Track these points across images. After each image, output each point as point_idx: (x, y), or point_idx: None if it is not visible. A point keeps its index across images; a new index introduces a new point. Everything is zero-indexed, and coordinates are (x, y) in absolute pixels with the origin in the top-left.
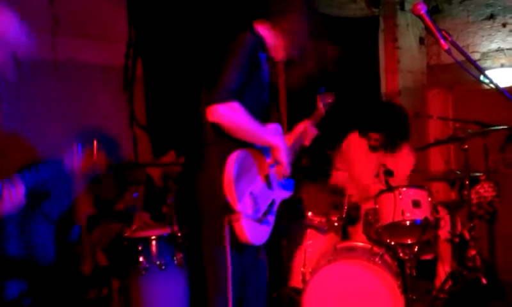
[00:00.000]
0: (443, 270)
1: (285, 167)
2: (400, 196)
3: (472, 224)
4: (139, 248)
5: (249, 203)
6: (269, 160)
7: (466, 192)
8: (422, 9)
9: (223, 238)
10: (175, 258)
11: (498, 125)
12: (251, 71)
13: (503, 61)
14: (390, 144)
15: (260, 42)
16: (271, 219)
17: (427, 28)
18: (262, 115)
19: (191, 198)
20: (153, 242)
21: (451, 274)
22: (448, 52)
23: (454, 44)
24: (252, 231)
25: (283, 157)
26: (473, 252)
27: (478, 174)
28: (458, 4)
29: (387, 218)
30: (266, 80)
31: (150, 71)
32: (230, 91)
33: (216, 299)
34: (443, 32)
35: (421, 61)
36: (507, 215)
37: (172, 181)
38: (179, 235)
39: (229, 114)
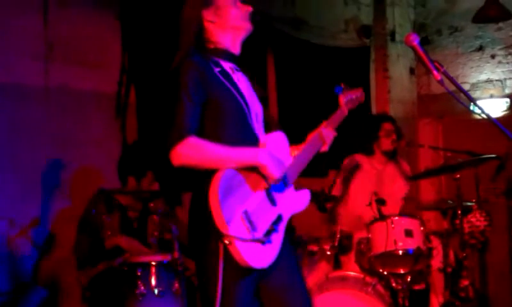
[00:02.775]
0: (436, 300)
1: (274, 180)
2: (393, 225)
3: (464, 254)
4: (138, 273)
5: (242, 224)
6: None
7: (458, 222)
8: (415, 40)
9: (216, 266)
10: (172, 286)
11: (488, 155)
12: (206, 91)
13: (492, 91)
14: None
15: (212, 54)
16: (277, 237)
17: (419, 59)
18: (249, 130)
19: (189, 227)
20: (153, 268)
21: (444, 304)
22: (440, 82)
23: (446, 75)
24: (251, 252)
25: (267, 170)
26: (465, 282)
27: (470, 203)
28: (448, 35)
29: (380, 247)
30: (240, 89)
31: (142, 98)
32: (181, 129)
33: None
34: (436, 63)
35: (411, 91)
36: (497, 244)
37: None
38: (179, 262)
39: (186, 152)
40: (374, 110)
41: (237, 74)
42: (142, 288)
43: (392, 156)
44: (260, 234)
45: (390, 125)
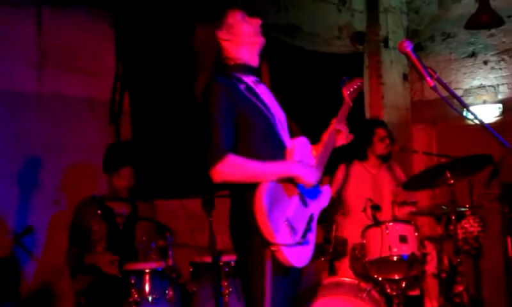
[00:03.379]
0: (431, 306)
1: (310, 186)
2: (387, 231)
3: (458, 260)
4: (132, 281)
5: (287, 231)
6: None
7: (452, 227)
8: (408, 46)
9: (264, 272)
10: (166, 293)
11: None
12: (235, 109)
13: (485, 97)
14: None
15: (233, 71)
16: (312, 236)
17: (413, 65)
18: (276, 138)
19: (233, 232)
20: (147, 276)
21: None
22: (434, 89)
23: (439, 81)
24: (295, 255)
25: (303, 179)
26: (460, 288)
27: (463, 209)
28: (441, 41)
29: (374, 253)
30: (264, 101)
31: (137, 105)
32: (220, 148)
33: None
34: (429, 70)
35: (405, 97)
36: (491, 250)
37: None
38: (173, 269)
39: (227, 170)
40: (367, 116)
41: (259, 86)
42: (136, 295)
43: (385, 160)
44: (299, 236)
45: (383, 131)
